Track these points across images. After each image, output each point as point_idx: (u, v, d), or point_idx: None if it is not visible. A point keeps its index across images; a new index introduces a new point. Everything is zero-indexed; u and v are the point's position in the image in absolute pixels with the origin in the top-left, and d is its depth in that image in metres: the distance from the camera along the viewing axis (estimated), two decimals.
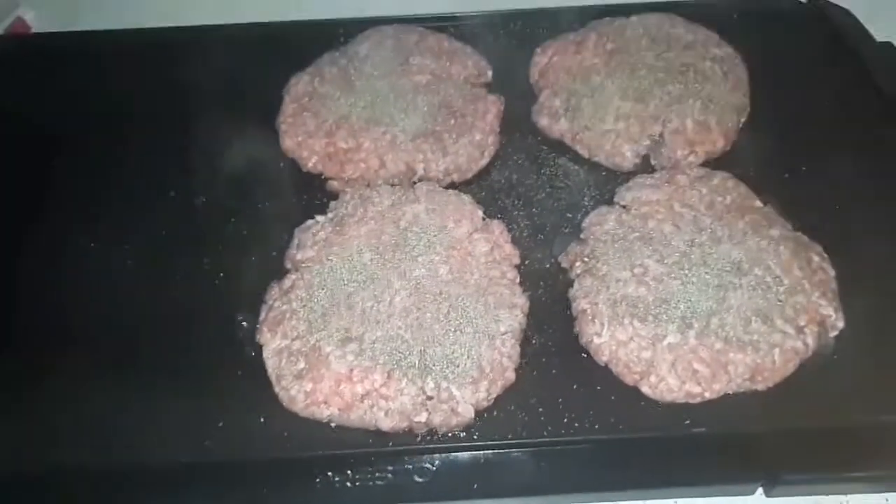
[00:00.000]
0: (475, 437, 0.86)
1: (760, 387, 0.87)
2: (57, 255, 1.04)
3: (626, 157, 1.07)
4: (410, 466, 0.84)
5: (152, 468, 0.86)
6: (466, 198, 1.01)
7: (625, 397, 0.88)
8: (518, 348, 0.89)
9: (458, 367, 0.85)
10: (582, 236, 0.99)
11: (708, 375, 0.86)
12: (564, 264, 0.98)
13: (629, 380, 0.87)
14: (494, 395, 0.86)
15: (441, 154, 1.04)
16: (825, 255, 0.95)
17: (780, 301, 0.90)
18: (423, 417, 0.84)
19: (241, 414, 0.88)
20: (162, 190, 1.10)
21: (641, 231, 0.96)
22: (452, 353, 0.86)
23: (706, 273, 0.91)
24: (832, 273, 0.94)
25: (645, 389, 0.87)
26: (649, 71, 1.11)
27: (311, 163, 1.07)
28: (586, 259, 0.96)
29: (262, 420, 0.88)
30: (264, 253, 1.01)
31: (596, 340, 0.89)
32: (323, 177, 1.08)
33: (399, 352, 0.86)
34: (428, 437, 0.86)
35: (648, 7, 1.24)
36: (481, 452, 0.85)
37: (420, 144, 1.05)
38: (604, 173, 1.09)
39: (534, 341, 0.92)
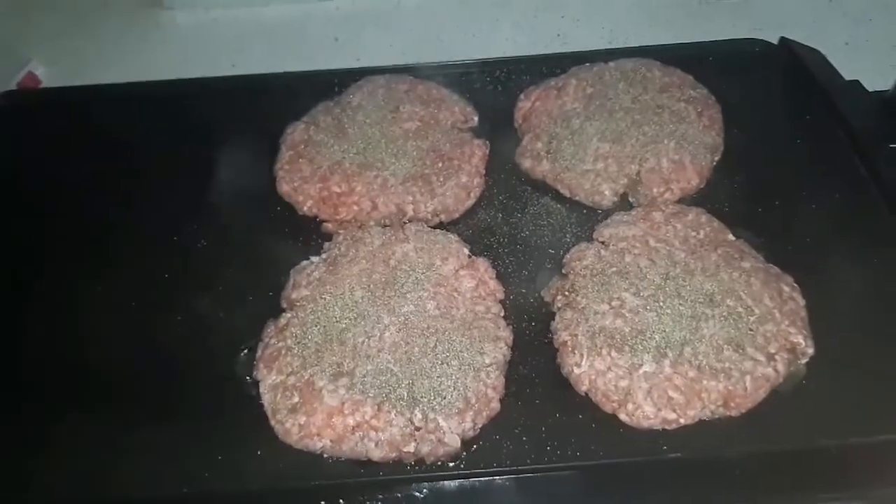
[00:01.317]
0: (462, 465, 0.89)
1: (734, 412, 0.90)
2: (61, 298, 1.09)
3: (605, 195, 1.12)
4: (399, 495, 0.88)
5: (153, 501, 0.90)
6: (453, 237, 1.06)
7: (605, 425, 0.91)
8: (502, 379, 0.93)
9: (444, 398, 0.89)
10: (563, 271, 1.04)
11: (682, 402, 0.89)
12: (547, 298, 1.02)
13: (608, 408, 0.91)
14: (480, 425, 0.90)
15: (429, 196, 1.10)
16: (795, 286, 1.00)
17: (751, 330, 0.94)
18: (411, 447, 0.88)
19: (238, 447, 0.92)
20: (165, 234, 1.15)
21: (619, 266, 1.01)
22: (439, 385, 0.90)
23: (680, 304, 0.96)
24: (802, 302, 0.98)
25: (623, 417, 0.90)
26: (626, 113, 1.17)
27: (307, 206, 1.13)
28: (567, 293, 1.00)
29: (258, 453, 0.92)
30: (262, 293, 1.06)
31: (576, 371, 0.93)
32: (318, 219, 1.13)
33: (388, 385, 0.90)
34: (416, 467, 0.89)
35: (627, 53, 1.30)
36: (468, 481, 0.89)
37: (409, 187, 1.10)
38: (584, 211, 1.14)
39: (517, 373, 0.96)
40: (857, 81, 1.25)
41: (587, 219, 1.13)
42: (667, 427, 0.90)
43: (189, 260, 1.12)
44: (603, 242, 1.05)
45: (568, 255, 1.05)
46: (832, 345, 0.96)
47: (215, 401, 0.96)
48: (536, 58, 1.36)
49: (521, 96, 1.26)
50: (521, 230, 1.13)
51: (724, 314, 0.95)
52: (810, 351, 0.94)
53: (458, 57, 1.37)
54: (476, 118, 1.23)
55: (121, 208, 1.19)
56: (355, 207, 1.10)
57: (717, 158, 1.15)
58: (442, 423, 0.88)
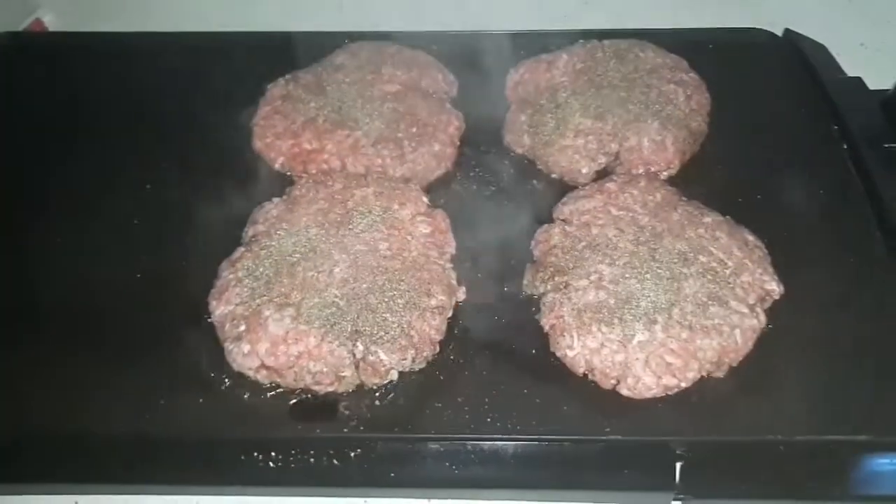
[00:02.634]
0: (396, 429, 0.88)
1: (725, 368, 0.89)
2: (32, 239, 1.10)
3: (583, 173, 1.10)
4: (331, 452, 0.87)
5: (90, 437, 0.90)
6: (414, 186, 1.05)
7: (548, 403, 0.89)
8: (446, 324, 0.93)
9: (387, 333, 0.89)
10: (534, 257, 1.02)
11: (681, 365, 0.88)
12: (528, 290, 0.99)
13: (607, 385, 0.89)
14: (420, 364, 0.90)
15: (399, 160, 1.09)
16: (756, 236, 1.00)
17: (729, 283, 0.93)
18: (351, 377, 0.89)
19: (182, 393, 0.92)
20: (139, 183, 1.15)
21: (587, 240, 0.99)
22: (383, 320, 0.90)
23: (657, 267, 0.94)
24: (765, 250, 0.98)
25: (624, 392, 0.88)
26: (613, 90, 1.14)
27: (279, 163, 1.12)
28: (543, 277, 0.98)
29: (200, 401, 0.91)
30: (229, 242, 1.05)
31: (569, 353, 0.91)
32: (290, 176, 1.12)
33: (333, 317, 0.90)
34: (353, 423, 0.88)
35: (625, 35, 1.27)
36: (401, 444, 0.88)
37: (380, 149, 1.09)
38: (562, 189, 1.11)
39: (469, 337, 0.95)
40: (859, 79, 1.21)
41: (563, 197, 1.10)
42: (668, 393, 0.88)
43: (160, 208, 1.12)
44: (564, 220, 1.03)
45: (534, 240, 1.03)
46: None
47: (172, 346, 0.96)
48: (533, 33, 1.33)
49: (512, 69, 1.24)
50: (493, 205, 1.10)
51: (700, 271, 0.93)
52: (780, 293, 0.94)
53: (459, 27, 1.35)
54: (456, 88, 1.21)
55: (99, 153, 1.20)
56: (325, 166, 1.09)
57: (699, 143, 1.12)
58: (383, 356, 0.88)
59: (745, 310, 0.91)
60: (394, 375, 0.90)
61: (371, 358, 0.88)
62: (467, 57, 1.29)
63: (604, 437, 0.86)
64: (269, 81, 1.24)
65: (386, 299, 0.92)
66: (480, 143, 1.18)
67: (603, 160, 1.10)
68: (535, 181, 1.13)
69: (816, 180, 1.09)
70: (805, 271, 0.98)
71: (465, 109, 1.20)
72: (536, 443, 0.87)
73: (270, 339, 0.89)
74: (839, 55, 1.25)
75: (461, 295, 0.97)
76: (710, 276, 0.93)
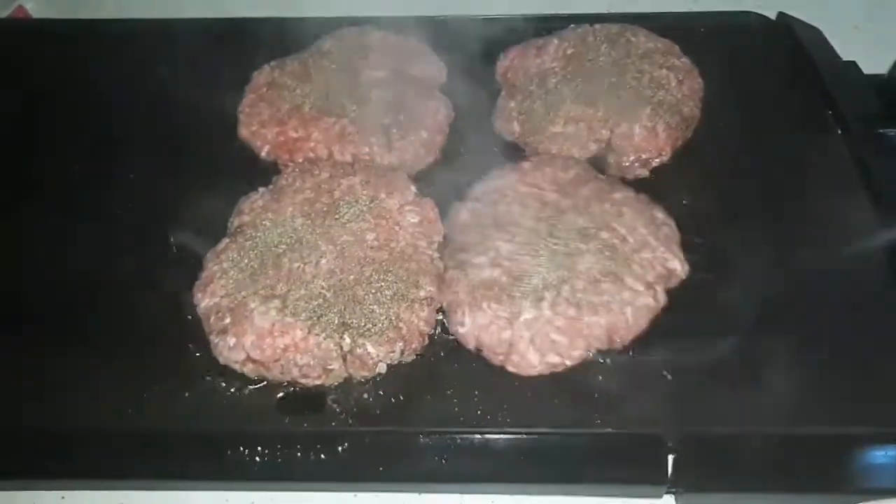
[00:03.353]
0: (385, 423, 0.87)
1: (618, 346, 0.89)
2: (16, 230, 1.08)
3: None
4: (319, 446, 0.86)
5: (73, 432, 0.88)
6: (402, 174, 1.03)
7: (539, 395, 0.88)
8: (435, 314, 0.92)
9: (375, 325, 0.88)
10: (444, 236, 1.01)
11: (566, 343, 0.88)
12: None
13: (496, 361, 0.89)
14: (409, 357, 0.89)
15: (387, 148, 1.07)
16: (667, 214, 0.99)
17: (627, 259, 0.92)
18: (339, 370, 0.88)
19: (167, 387, 0.90)
20: (123, 172, 1.13)
21: (492, 217, 0.99)
22: (371, 312, 0.89)
23: (554, 244, 0.94)
24: (675, 229, 0.97)
25: (510, 368, 0.89)
26: (604, 75, 1.12)
27: (265, 151, 1.10)
28: (448, 254, 0.97)
29: (185, 394, 0.90)
30: (215, 233, 1.03)
31: (461, 330, 0.91)
32: (277, 164, 1.10)
33: (320, 309, 0.89)
34: (342, 416, 0.87)
35: (615, 18, 1.25)
36: (389, 438, 0.87)
37: (367, 137, 1.07)
38: None
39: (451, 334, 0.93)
40: (854, 63, 1.19)
41: None
42: (554, 370, 0.88)
43: (146, 197, 1.10)
44: (476, 199, 1.02)
45: (446, 221, 1.02)
46: None
47: (157, 338, 0.94)
48: (523, 18, 1.31)
49: (502, 54, 1.22)
50: None
51: (598, 247, 0.93)
52: (684, 274, 0.93)
53: (448, 12, 1.33)
54: (445, 74, 1.19)
55: (82, 142, 1.18)
56: (311, 154, 1.07)
57: (693, 130, 1.10)
58: (371, 349, 0.87)
59: (641, 287, 0.90)
60: (382, 368, 0.88)
61: (359, 351, 0.87)
62: (456, 43, 1.26)
63: (595, 430, 0.85)
64: (255, 69, 1.21)
65: (373, 291, 0.90)
66: (470, 131, 1.16)
67: (594, 147, 1.08)
68: None
69: (810, 165, 1.07)
70: (799, 257, 0.96)
71: (455, 96, 1.18)
72: (527, 436, 0.86)
73: (256, 332, 0.87)
74: (833, 39, 1.23)
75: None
76: (607, 253, 0.92)
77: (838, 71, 1.18)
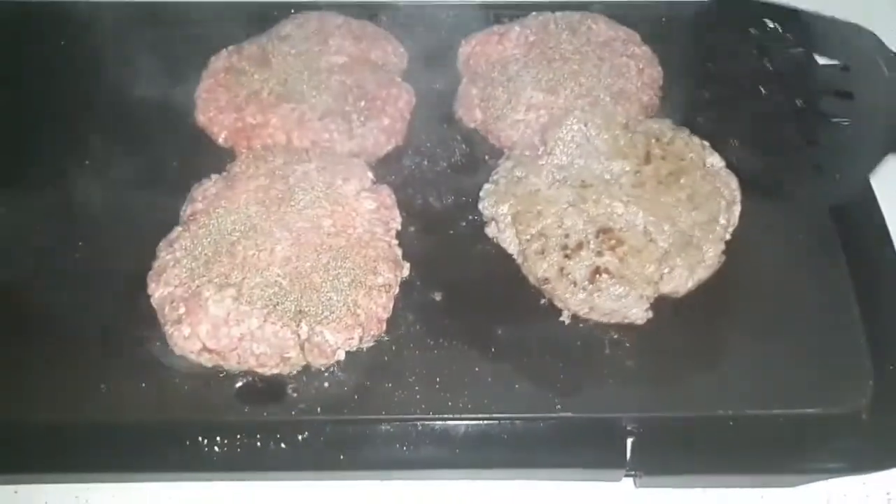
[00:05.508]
0: (345, 411, 0.86)
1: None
2: None
3: (535, 147, 1.08)
4: (279, 435, 0.85)
5: (28, 425, 0.87)
6: (359, 161, 1.03)
7: (499, 381, 0.88)
8: (392, 301, 0.91)
9: (332, 312, 0.87)
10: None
11: None
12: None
13: None
14: (368, 343, 0.89)
15: (347, 135, 1.05)
16: None
17: None
18: (297, 358, 0.87)
19: (123, 378, 0.89)
20: (79, 158, 1.10)
21: None
22: (328, 300, 0.88)
23: None
24: None
25: None
26: (564, 63, 1.13)
27: (222, 137, 1.08)
28: None
29: (142, 385, 0.89)
30: (172, 220, 1.01)
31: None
32: (234, 150, 1.08)
33: (276, 297, 0.88)
34: (301, 405, 0.87)
35: (577, 7, 1.25)
36: (350, 426, 0.86)
37: (327, 123, 1.06)
38: None
39: (417, 315, 0.93)
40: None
41: None
42: None
43: (100, 185, 1.07)
44: None
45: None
46: None
47: (111, 329, 0.93)
48: (483, 4, 1.30)
49: (463, 42, 1.22)
50: (443, 180, 1.08)
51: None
52: None
53: None
54: (406, 60, 1.18)
55: (37, 128, 1.14)
56: (269, 140, 1.05)
57: (651, 117, 1.11)
58: (328, 336, 0.86)
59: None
60: (340, 356, 0.88)
61: (316, 338, 0.86)
62: (418, 29, 1.25)
63: (555, 415, 0.86)
64: (213, 53, 1.19)
65: (330, 278, 0.90)
66: (431, 118, 1.15)
67: None
68: (486, 156, 1.11)
69: (767, 153, 1.09)
70: (754, 247, 0.98)
71: (416, 83, 1.17)
72: (488, 421, 0.86)
73: (211, 322, 0.86)
74: None
75: (406, 272, 0.95)
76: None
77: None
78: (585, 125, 1.02)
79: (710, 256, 0.94)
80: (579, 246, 0.92)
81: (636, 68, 1.13)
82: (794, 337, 0.92)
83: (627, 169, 0.99)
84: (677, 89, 1.16)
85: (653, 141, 1.01)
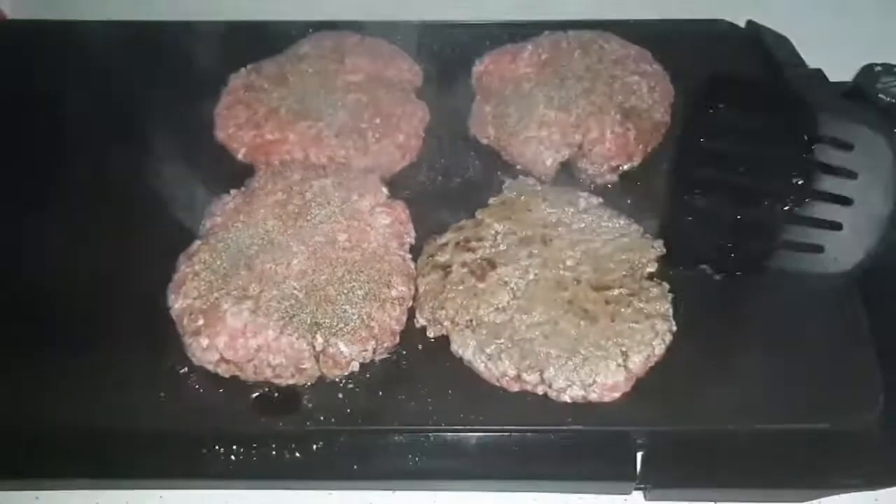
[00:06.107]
0: (359, 421, 0.88)
1: None
2: None
3: (546, 164, 1.09)
4: (293, 445, 0.86)
5: (47, 431, 0.88)
6: (374, 176, 1.05)
7: (511, 393, 0.89)
8: (406, 314, 0.93)
9: (347, 325, 0.89)
10: None
11: None
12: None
13: None
14: (381, 355, 0.91)
15: (363, 152, 1.08)
16: None
17: None
18: (312, 369, 0.89)
19: (142, 387, 0.90)
20: (99, 173, 1.13)
21: None
22: (343, 312, 0.90)
23: None
24: None
25: None
26: (577, 81, 1.14)
27: (241, 153, 1.11)
28: None
29: (161, 395, 0.90)
30: (192, 234, 1.03)
31: None
32: (253, 166, 1.11)
33: (292, 310, 0.90)
34: (316, 415, 0.88)
35: (588, 25, 1.27)
36: (364, 437, 0.87)
37: (344, 140, 1.08)
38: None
39: (429, 338, 0.94)
40: (820, 70, 1.22)
41: None
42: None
43: (122, 199, 1.10)
44: None
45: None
46: None
47: (131, 339, 0.94)
48: (497, 24, 1.33)
49: (477, 60, 1.24)
50: (457, 197, 1.09)
51: None
52: None
53: (425, 17, 1.33)
54: (421, 78, 1.20)
55: (58, 144, 1.17)
56: (287, 156, 1.08)
57: (663, 136, 1.13)
58: (343, 347, 0.88)
59: None
60: (355, 367, 0.89)
61: (331, 350, 0.88)
62: (433, 47, 1.28)
63: (566, 427, 0.86)
64: (233, 71, 1.22)
65: (345, 290, 0.91)
66: (445, 135, 1.17)
67: (566, 152, 1.10)
68: (499, 172, 1.13)
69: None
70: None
71: (430, 100, 1.19)
72: (499, 433, 0.87)
73: (229, 333, 0.88)
74: (801, 47, 1.26)
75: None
76: None
77: (804, 80, 1.20)
78: None
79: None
80: None
81: (647, 86, 1.15)
82: (804, 352, 0.92)
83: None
84: (688, 108, 1.16)
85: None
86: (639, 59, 1.19)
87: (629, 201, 1.07)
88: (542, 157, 1.10)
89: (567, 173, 1.12)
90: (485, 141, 1.15)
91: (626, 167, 1.10)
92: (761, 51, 1.25)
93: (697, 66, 1.20)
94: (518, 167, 1.12)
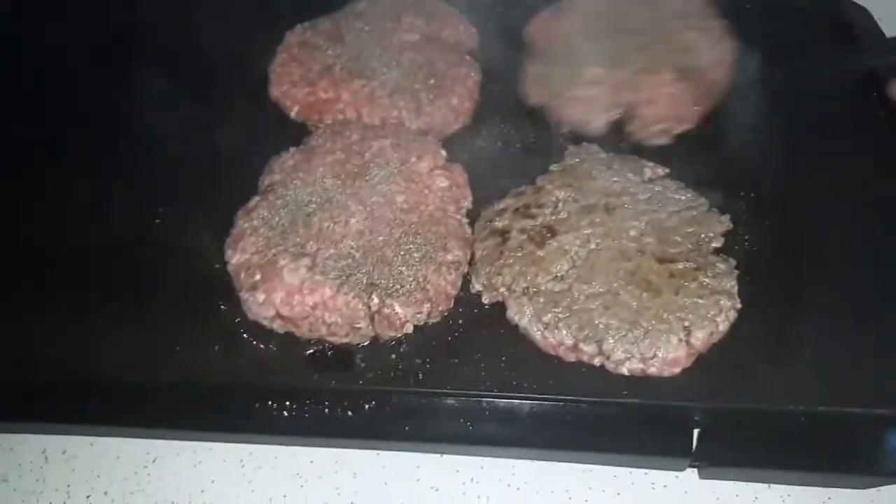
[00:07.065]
0: (411, 383, 0.87)
1: None
2: (44, 183, 1.09)
3: (594, 125, 1.06)
4: (346, 403, 0.87)
5: (107, 382, 0.90)
6: (433, 138, 1.03)
7: (566, 363, 0.87)
8: (461, 279, 0.92)
9: (403, 286, 0.89)
10: None
11: None
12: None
13: None
14: (435, 318, 0.90)
15: (416, 113, 1.06)
16: None
17: None
18: (366, 329, 0.88)
19: (198, 341, 0.91)
20: (156, 129, 1.12)
21: None
22: (399, 274, 0.89)
23: None
24: None
25: None
26: (632, 36, 1.09)
27: (295, 111, 1.10)
28: None
29: (216, 348, 0.91)
30: (247, 190, 1.03)
31: None
32: (306, 124, 1.10)
33: (349, 269, 0.90)
34: (369, 375, 0.88)
35: None
36: (415, 399, 0.87)
37: (396, 101, 1.06)
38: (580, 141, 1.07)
39: (484, 304, 0.93)
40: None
41: None
42: None
43: (178, 157, 1.09)
44: None
45: None
46: None
47: (189, 293, 0.95)
48: None
49: (532, 19, 1.20)
50: (509, 157, 1.07)
51: None
52: None
53: None
54: (476, 40, 1.17)
55: (115, 100, 1.17)
56: (340, 116, 1.07)
57: (720, 98, 1.07)
58: (398, 309, 0.88)
59: None
60: (409, 329, 0.89)
61: (386, 311, 0.87)
62: (488, 6, 1.24)
63: (622, 400, 0.85)
64: (288, 28, 1.20)
65: (402, 252, 0.91)
66: (498, 96, 1.14)
67: (616, 112, 1.06)
68: (561, 139, 1.09)
69: (847, 145, 1.05)
70: (834, 237, 0.95)
71: (484, 61, 1.16)
72: (552, 403, 0.86)
73: (286, 289, 0.88)
74: (881, 19, 1.20)
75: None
76: None
77: (879, 50, 1.15)
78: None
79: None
80: None
81: (708, 43, 1.09)
82: (871, 336, 0.88)
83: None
84: (751, 70, 1.11)
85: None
86: (701, 13, 1.13)
87: (689, 169, 1.03)
88: (590, 117, 1.06)
89: (618, 134, 1.08)
90: (536, 102, 1.11)
91: (678, 130, 1.05)
92: (839, 21, 1.20)
93: (766, 30, 1.16)
94: (568, 127, 1.08)
